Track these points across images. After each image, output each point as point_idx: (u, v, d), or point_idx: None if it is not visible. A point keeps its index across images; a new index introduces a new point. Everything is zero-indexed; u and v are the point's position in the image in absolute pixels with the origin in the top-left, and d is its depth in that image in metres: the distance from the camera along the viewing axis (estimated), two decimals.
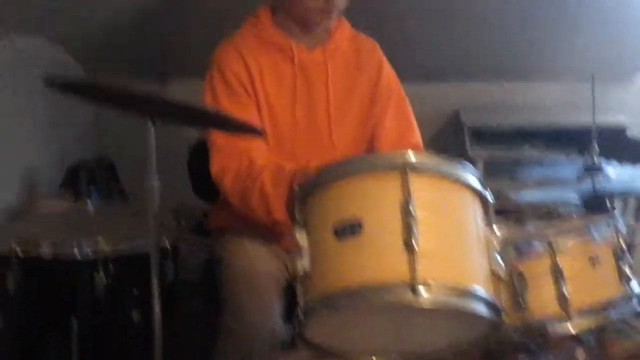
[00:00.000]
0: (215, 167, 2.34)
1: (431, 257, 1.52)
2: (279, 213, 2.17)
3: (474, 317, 1.55)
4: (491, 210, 1.67)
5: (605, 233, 1.87)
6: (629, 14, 3.62)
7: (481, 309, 1.53)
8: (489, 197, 1.67)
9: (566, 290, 1.76)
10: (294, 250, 1.63)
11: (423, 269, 1.49)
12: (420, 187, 1.56)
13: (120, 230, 2.39)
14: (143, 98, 1.87)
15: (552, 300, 1.77)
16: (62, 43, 3.65)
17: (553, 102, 3.99)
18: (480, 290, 1.54)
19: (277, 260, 2.40)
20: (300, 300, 1.59)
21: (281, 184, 2.18)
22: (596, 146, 2.28)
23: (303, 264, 1.60)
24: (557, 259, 1.78)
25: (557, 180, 2.49)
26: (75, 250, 2.21)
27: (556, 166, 2.62)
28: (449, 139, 3.94)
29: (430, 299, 1.48)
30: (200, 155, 2.55)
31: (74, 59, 3.78)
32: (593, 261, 1.81)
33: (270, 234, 2.40)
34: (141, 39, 3.58)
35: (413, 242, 1.50)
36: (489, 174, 3.40)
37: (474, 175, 1.65)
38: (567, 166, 2.44)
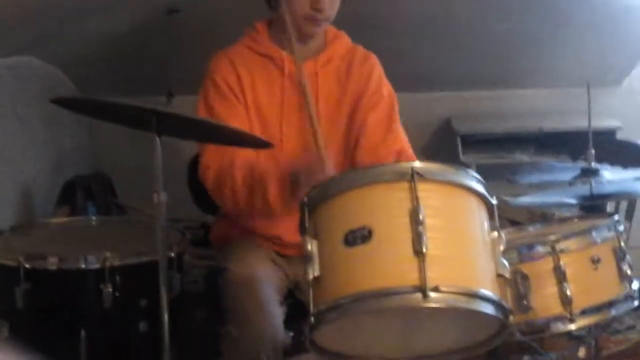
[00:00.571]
0: (200, 167, 2.40)
1: (440, 262, 1.55)
2: (246, 205, 2.29)
3: (482, 317, 1.58)
4: (496, 215, 1.71)
5: (606, 235, 1.91)
6: (618, 21, 3.68)
7: (490, 310, 1.56)
8: (494, 202, 1.70)
9: (569, 290, 1.80)
10: (295, 258, 1.65)
11: (433, 274, 1.53)
12: (428, 195, 1.60)
13: (125, 242, 2.42)
14: (150, 113, 1.90)
15: (556, 301, 1.81)
16: (57, 64, 3.68)
17: (543, 108, 4.05)
18: (488, 292, 1.58)
19: (278, 269, 2.43)
20: (311, 305, 1.62)
21: (249, 182, 2.27)
22: (592, 150, 2.32)
23: (314, 271, 1.62)
24: (560, 260, 1.81)
25: (552, 184, 2.54)
26: (82, 263, 2.24)
27: (549, 171, 2.67)
28: (442, 146, 3.99)
29: (439, 302, 1.52)
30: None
31: (68, 78, 3.82)
32: (594, 262, 1.84)
33: (271, 242, 2.45)
34: (136, 59, 3.62)
35: (423, 248, 1.54)
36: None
37: (478, 181, 1.69)
38: (561, 170, 2.49)
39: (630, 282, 1.89)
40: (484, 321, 1.62)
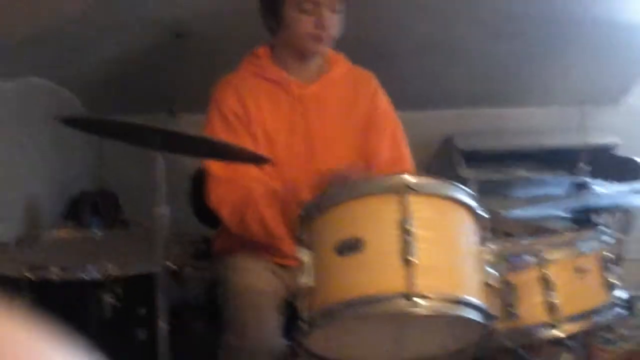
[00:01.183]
0: (212, 197, 2.44)
1: (428, 271, 1.61)
2: (278, 231, 2.30)
3: (467, 323, 1.63)
4: (485, 227, 1.76)
5: (592, 246, 1.95)
6: (616, 40, 3.72)
7: (473, 315, 1.62)
8: (484, 214, 1.76)
9: (554, 299, 1.84)
10: (294, 268, 1.71)
11: (419, 282, 1.58)
12: (417, 207, 1.65)
13: (126, 254, 2.47)
14: (154, 131, 1.97)
15: (541, 309, 1.85)
16: (66, 85, 3.76)
17: (542, 125, 4.10)
18: (473, 299, 1.63)
19: (277, 279, 2.48)
20: (304, 312, 1.67)
21: (275, 204, 2.29)
22: (584, 166, 2.37)
23: (307, 279, 1.68)
24: (546, 270, 1.86)
25: (547, 198, 2.59)
26: (83, 273, 2.28)
27: (545, 185, 2.72)
28: (444, 162, 4.03)
29: (425, 308, 1.57)
30: (201, 183, 2.64)
31: (77, 98, 3.89)
32: (580, 272, 1.89)
33: (271, 254, 2.50)
34: (141, 79, 3.69)
35: (411, 258, 1.59)
36: (482, 194, 3.52)
37: (468, 194, 1.75)
38: (556, 185, 2.54)
39: (615, 290, 1.93)
40: (469, 327, 1.67)
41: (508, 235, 2.45)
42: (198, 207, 3.05)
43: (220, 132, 2.46)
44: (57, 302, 2.32)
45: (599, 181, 2.48)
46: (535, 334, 1.86)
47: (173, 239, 2.52)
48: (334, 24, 2.47)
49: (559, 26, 3.58)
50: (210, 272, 2.77)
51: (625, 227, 3.27)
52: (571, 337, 2.18)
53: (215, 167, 2.44)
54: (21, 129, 3.39)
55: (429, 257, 1.62)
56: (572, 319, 1.87)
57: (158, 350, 2.05)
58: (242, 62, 2.61)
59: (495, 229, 2.73)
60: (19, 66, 3.23)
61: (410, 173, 1.75)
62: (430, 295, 1.58)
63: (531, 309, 1.85)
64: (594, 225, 2.10)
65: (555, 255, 1.89)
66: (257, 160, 2.30)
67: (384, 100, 2.65)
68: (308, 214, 1.74)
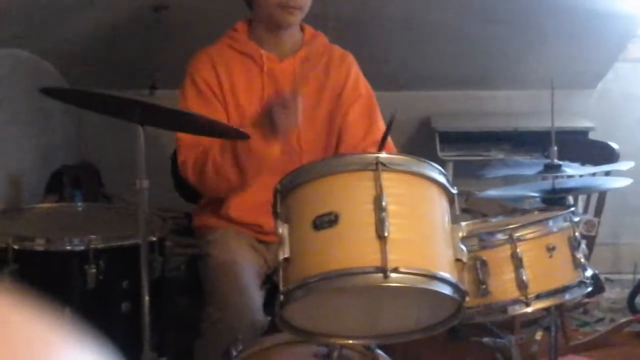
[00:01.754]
0: (179, 162, 2.51)
1: (401, 246, 1.66)
2: (233, 177, 2.41)
3: (440, 298, 1.69)
4: (456, 203, 1.82)
5: (562, 225, 2.01)
6: (591, 26, 3.79)
7: (445, 290, 1.67)
8: (454, 191, 1.81)
9: (525, 276, 1.90)
10: (274, 244, 1.76)
11: (393, 256, 1.63)
12: (391, 184, 1.70)
13: (109, 227, 2.52)
14: (135, 103, 2.01)
15: (512, 286, 1.90)
16: (46, 57, 3.77)
17: (518, 108, 4.18)
18: (445, 274, 1.69)
19: (257, 255, 2.54)
20: (281, 284, 1.72)
21: (228, 149, 2.39)
22: (555, 148, 2.43)
23: (284, 252, 1.73)
24: (517, 248, 1.92)
25: (520, 179, 2.65)
26: (67, 245, 2.34)
27: (519, 167, 2.78)
28: (421, 143, 4.10)
29: (399, 282, 1.62)
30: None
31: (57, 71, 3.91)
32: (550, 250, 1.95)
33: (251, 229, 2.55)
34: (121, 53, 3.72)
35: (385, 232, 1.64)
36: (458, 175, 3.61)
37: (440, 172, 1.80)
38: (530, 167, 2.60)
39: (584, 269, 2.00)
40: (442, 302, 1.73)
41: (483, 215, 2.52)
42: (179, 182, 3.09)
43: (192, 102, 2.52)
44: (42, 273, 2.37)
45: (571, 164, 2.54)
46: (506, 310, 1.92)
47: (154, 213, 2.57)
48: None
49: (536, 11, 3.64)
50: (191, 246, 2.83)
51: (598, 210, 3.35)
52: (544, 316, 2.25)
53: (182, 134, 2.49)
54: (2, 101, 3.41)
55: (402, 232, 1.67)
56: (542, 296, 1.92)
57: (141, 323, 2.11)
58: (222, 36, 2.65)
59: (470, 209, 2.82)
60: None
61: (384, 150, 1.81)
62: (403, 269, 1.63)
63: (502, 285, 1.90)
64: (565, 205, 2.16)
65: (526, 233, 1.94)
66: (236, 135, 2.35)
67: (355, 78, 2.68)
68: (284, 188, 1.78)
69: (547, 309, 2.00)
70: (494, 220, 2.21)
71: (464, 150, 3.94)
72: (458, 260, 1.75)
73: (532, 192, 2.44)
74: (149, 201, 2.13)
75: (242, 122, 2.50)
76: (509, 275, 1.92)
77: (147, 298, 2.08)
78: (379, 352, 2.05)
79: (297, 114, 2.32)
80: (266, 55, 2.59)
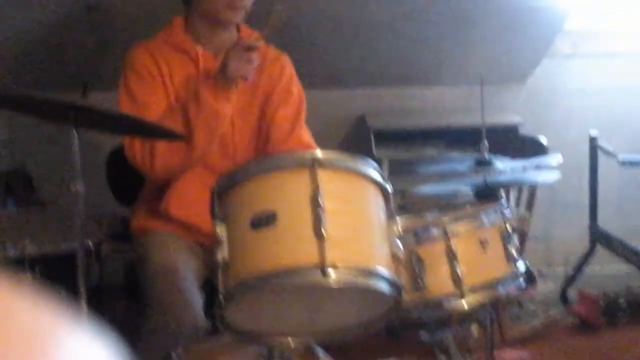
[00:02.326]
0: (125, 146, 2.48)
1: (338, 242, 1.69)
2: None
3: (377, 294, 1.73)
4: (391, 200, 1.85)
5: (494, 219, 2.06)
6: (519, 22, 3.88)
7: (383, 287, 1.71)
8: (389, 188, 1.84)
9: (459, 270, 1.94)
10: (212, 246, 1.77)
11: (331, 253, 1.66)
12: (327, 181, 1.72)
13: (44, 234, 2.49)
14: (68, 106, 1.99)
15: (447, 280, 1.95)
16: None
17: (450, 104, 4.24)
18: (382, 270, 1.72)
19: (196, 257, 2.53)
20: (221, 286, 1.73)
21: (177, 110, 2.42)
22: (486, 143, 2.48)
23: (223, 254, 1.74)
24: (451, 242, 1.96)
25: (452, 175, 2.70)
26: (1, 252, 2.31)
27: (451, 163, 2.83)
28: (356, 141, 4.13)
29: (338, 279, 1.65)
30: (118, 160, 2.67)
31: None
32: (483, 244, 2.00)
33: (189, 232, 2.55)
34: (53, 54, 3.66)
35: (322, 230, 1.66)
36: (394, 172, 3.65)
37: (375, 169, 1.83)
38: (462, 162, 2.65)
39: (516, 262, 2.05)
40: (379, 298, 1.76)
41: (419, 211, 2.55)
42: (115, 184, 3.08)
43: (135, 88, 2.50)
44: None
45: (501, 158, 2.60)
46: (442, 304, 1.96)
47: (89, 218, 2.55)
48: None
49: (465, 7, 3.71)
50: (128, 251, 2.80)
51: (529, 205, 3.43)
52: (479, 309, 2.30)
53: None
54: None
55: (339, 230, 1.70)
56: (477, 289, 1.96)
57: None
58: (158, 32, 2.65)
59: (405, 205, 2.86)
60: None
61: (313, 146, 1.83)
62: (341, 266, 1.66)
63: (438, 280, 1.94)
64: (496, 199, 2.20)
65: (459, 228, 1.99)
66: (170, 136, 2.34)
67: (289, 78, 2.69)
68: (221, 188, 1.79)
69: (482, 304, 2.04)
70: (428, 215, 2.24)
71: (399, 148, 3.99)
72: (394, 255, 1.78)
73: (464, 187, 2.48)
74: (85, 205, 2.12)
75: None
76: (444, 269, 1.96)
77: (85, 307, 2.06)
78: (319, 350, 2.07)
79: (251, 65, 2.35)
80: (202, 52, 2.59)
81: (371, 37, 3.85)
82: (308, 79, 2.75)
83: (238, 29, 2.66)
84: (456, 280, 1.95)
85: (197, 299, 2.40)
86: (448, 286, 1.95)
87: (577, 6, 4.09)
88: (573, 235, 4.16)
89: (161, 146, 2.42)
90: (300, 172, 1.73)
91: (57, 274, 2.37)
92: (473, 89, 4.04)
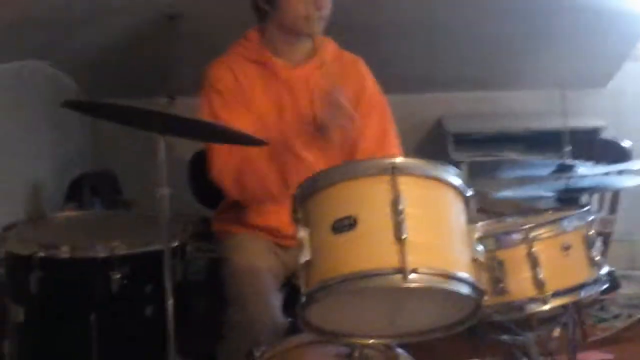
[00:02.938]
0: (213, 168, 2.53)
1: (419, 247, 1.69)
2: (274, 187, 2.45)
3: (458, 297, 1.73)
4: (472, 205, 1.85)
5: (577, 224, 2.04)
6: (601, 25, 3.81)
7: (464, 290, 1.71)
8: (469, 193, 1.85)
9: (541, 275, 1.93)
10: (293, 249, 1.80)
11: (412, 258, 1.67)
12: (407, 187, 1.74)
13: (132, 234, 2.57)
14: (157, 115, 2.06)
15: (529, 285, 1.93)
16: (63, 68, 3.82)
17: (530, 108, 4.20)
18: (463, 274, 1.73)
19: (276, 258, 2.58)
20: (302, 287, 1.76)
21: (271, 160, 2.44)
22: (568, 148, 2.46)
23: (305, 256, 1.77)
24: (533, 247, 1.95)
25: (534, 179, 2.68)
26: (92, 252, 2.38)
27: (532, 167, 2.82)
28: (434, 145, 4.14)
29: (418, 282, 1.66)
30: (200, 164, 2.73)
31: (74, 82, 3.96)
32: (565, 249, 1.98)
33: (270, 234, 2.60)
34: (138, 63, 3.76)
35: (403, 234, 1.68)
36: (472, 175, 3.64)
37: (455, 174, 1.84)
38: (543, 167, 2.64)
39: (599, 267, 2.03)
40: (460, 301, 1.77)
41: (498, 215, 2.55)
42: (197, 188, 3.15)
43: (218, 109, 2.54)
44: (67, 279, 2.41)
45: (583, 163, 2.58)
46: (523, 308, 1.94)
47: (173, 219, 2.62)
48: (327, 4, 2.53)
49: (546, 11, 3.66)
50: (210, 251, 2.87)
51: (612, 208, 3.38)
52: (562, 313, 2.28)
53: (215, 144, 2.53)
54: (18, 112, 3.46)
55: (419, 234, 1.71)
56: (559, 293, 1.94)
57: (165, 326, 2.15)
58: (233, 45, 2.68)
59: (485, 208, 2.85)
60: (13, 49, 3.28)
61: (399, 155, 1.84)
62: (422, 270, 1.67)
63: (519, 284, 1.93)
64: (579, 204, 2.18)
65: (541, 233, 1.97)
66: (253, 142, 2.37)
67: (371, 84, 2.72)
68: (303, 194, 1.83)
69: (564, 306, 2.03)
70: (509, 220, 2.24)
71: (477, 151, 3.96)
72: (475, 260, 1.79)
73: (546, 192, 2.47)
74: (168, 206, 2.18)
75: (263, 131, 2.51)
76: (526, 274, 1.95)
77: (171, 302, 2.13)
78: (399, 350, 2.09)
79: (348, 113, 2.38)
80: (280, 62, 2.62)
81: (447, 40, 3.83)
82: (383, 84, 2.76)
83: (312, 37, 2.67)
84: (538, 284, 1.93)
85: (275, 299, 2.46)
86: (530, 290, 1.94)
87: None
88: None
89: (252, 183, 2.48)
90: (380, 179, 1.75)
91: (143, 273, 2.43)
92: (552, 92, 4.00)
